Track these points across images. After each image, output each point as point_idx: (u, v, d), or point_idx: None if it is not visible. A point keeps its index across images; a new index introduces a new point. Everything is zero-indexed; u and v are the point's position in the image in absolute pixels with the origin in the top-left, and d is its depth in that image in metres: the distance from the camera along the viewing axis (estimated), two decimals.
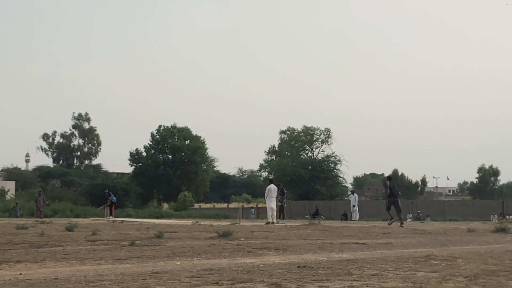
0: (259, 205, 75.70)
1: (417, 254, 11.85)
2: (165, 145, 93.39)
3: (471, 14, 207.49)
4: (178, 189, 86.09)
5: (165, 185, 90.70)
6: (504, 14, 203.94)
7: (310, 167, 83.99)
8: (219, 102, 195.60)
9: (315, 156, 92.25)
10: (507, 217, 56.26)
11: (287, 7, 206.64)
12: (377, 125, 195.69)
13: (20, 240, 15.78)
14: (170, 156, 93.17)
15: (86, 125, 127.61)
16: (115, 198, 46.12)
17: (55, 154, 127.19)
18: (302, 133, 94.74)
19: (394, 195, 28.43)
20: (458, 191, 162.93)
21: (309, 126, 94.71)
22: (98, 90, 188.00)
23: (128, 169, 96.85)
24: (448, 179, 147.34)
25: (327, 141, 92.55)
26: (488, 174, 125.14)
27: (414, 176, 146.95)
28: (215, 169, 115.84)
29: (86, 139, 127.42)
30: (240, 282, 7.80)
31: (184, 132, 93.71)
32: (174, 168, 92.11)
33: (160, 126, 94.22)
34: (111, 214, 43.95)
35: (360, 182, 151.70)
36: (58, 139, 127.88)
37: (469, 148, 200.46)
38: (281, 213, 33.73)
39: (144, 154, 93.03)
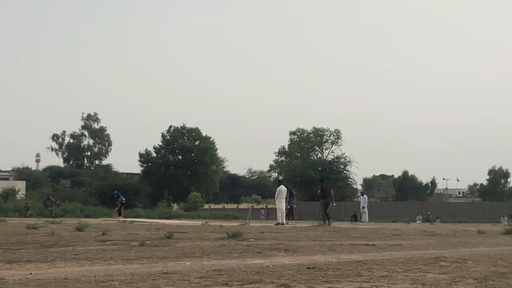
0: (269, 206, 75.68)
1: (426, 255, 11.83)
2: (175, 145, 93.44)
3: (484, 15, 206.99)
4: (188, 190, 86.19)
5: (175, 185, 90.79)
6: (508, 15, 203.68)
7: (319, 168, 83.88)
8: (229, 102, 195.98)
9: (325, 157, 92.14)
10: None
11: (296, 8, 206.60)
12: (387, 126, 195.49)
13: (30, 240, 15.83)
14: (180, 157, 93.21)
15: (96, 125, 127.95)
16: (124, 199, 46.23)
17: (65, 154, 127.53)
18: (312, 134, 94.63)
19: (326, 196, 30.45)
20: (468, 192, 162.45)
21: (319, 127, 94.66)
22: (108, 91, 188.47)
23: (138, 169, 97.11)
24: (458, 180, 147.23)
25: (337, 142, 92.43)
26: (498, 176, 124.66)
27: (424, 177, 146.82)
28: (225, 169, 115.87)
29: (97, 139, 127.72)
30: (249, 283, 7.81)
31: (194, 133, 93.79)
32: (184, 168, 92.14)
33: (170, 126, 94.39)
34: (120, 215, 44.05)
35: (369, 183, 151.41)
36: (68, 139, 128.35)
37: (479, 149, 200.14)
38: (290, 214, 33.98)
39: (154, 154, 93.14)
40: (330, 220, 29.47)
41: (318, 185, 32.29)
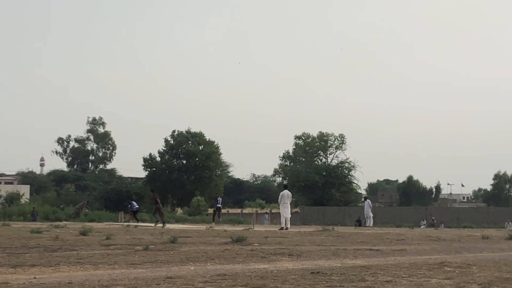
0: (273, 211, 75.67)
1: (431, 261, 11.82)
2: (179, 150, 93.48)
3: (493, 19, 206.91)
4: (191, 194, 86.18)
5: (179, 190, 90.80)
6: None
7: (324, 173, 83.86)
8: (233, 107, 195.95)
9: (329, 162, 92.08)
10: None
11: (300, 12, 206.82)
12: (392, 131, 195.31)
13: (34, 244, 15.83)
14: (184, 161, 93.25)
15: (101, 130, 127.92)
16: (136, 206, 45.97)
17: (69, 159, 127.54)
18: (317, 139, 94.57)
19: (158, 203, 37.21)
20: (472, 198, 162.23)
21: (323, 131, 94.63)
22: (112, 95, 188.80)
23: (142, 173, 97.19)
24: (462, 186, 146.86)
25: (341, 147, 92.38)
26: (503, 181, 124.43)
27: (428, 182, 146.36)
28: (229, 174, 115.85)
29: (101, 143, 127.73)
30: None
31: (198, 137, 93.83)
32: (188, 173, 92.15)
33: (174, 131, 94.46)
34: (137, 220, 43.63)
35: (374, 188, 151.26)
36: (72, 143, 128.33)
37: (484, 155, 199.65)
38: (215, 215, 42.61)
39: (158, 159, 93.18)
40: (159, 222, 35.00)
41: (154, 195, 38.93)
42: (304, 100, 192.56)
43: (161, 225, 34.27)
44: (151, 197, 38.47)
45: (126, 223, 39.90)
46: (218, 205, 43.99)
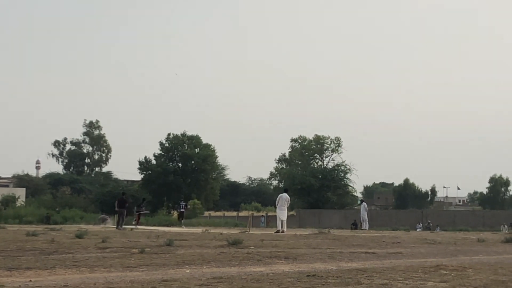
0: (269, 214, 75.67)
1: (426, 264, 11.83)
2: (175, 153, 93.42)
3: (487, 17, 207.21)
4: (188, 197, 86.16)
5: (175, 193, 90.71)
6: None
7: (320, 176, 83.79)
8: (230, 110, 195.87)
9: (325, 165, 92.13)
10: None
11: (297, 13, 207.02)
12: (388, 134, 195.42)
13: (30, 247, 15.81)
14: (180, 164, 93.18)
15: (97, 132, 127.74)
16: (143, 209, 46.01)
17: (65, 161, 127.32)
18: (313, 142, 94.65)
19: (122, 207, 37.64)
20: (468, 201, 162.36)
21: (320, 134, 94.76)
22: (108, 98, 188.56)
23: (138, 176, 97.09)
24: (458, 188, 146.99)
25: (337, 150, 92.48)
26: (498, 184, 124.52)
27: (424, 185, 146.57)
28: (225, 177, 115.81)
29: (96, 146, 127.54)
30: None
31: (194, 140, 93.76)
32: (184, 176, 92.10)
33: (169, 134, 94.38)
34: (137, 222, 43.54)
35: (370, 191, 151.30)
36: (69, 146, 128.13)
37: (479, 158, 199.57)
38: (179, 219, 46.30)
39: (154, 162, 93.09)
40: (121, 227, 35.25)
41: (117, 199, 39.97)
42: (301, 103, 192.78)
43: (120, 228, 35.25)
44: (119, 200, 38.26)
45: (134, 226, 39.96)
46: (182, 210, 47.13)
